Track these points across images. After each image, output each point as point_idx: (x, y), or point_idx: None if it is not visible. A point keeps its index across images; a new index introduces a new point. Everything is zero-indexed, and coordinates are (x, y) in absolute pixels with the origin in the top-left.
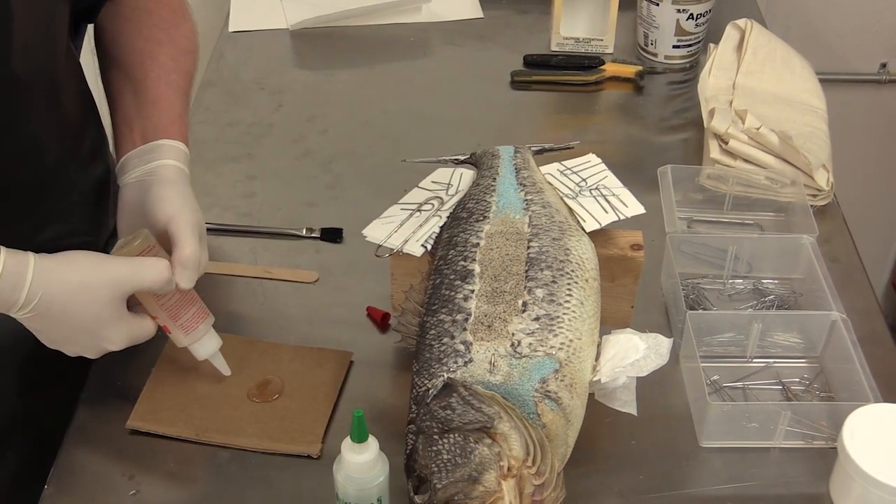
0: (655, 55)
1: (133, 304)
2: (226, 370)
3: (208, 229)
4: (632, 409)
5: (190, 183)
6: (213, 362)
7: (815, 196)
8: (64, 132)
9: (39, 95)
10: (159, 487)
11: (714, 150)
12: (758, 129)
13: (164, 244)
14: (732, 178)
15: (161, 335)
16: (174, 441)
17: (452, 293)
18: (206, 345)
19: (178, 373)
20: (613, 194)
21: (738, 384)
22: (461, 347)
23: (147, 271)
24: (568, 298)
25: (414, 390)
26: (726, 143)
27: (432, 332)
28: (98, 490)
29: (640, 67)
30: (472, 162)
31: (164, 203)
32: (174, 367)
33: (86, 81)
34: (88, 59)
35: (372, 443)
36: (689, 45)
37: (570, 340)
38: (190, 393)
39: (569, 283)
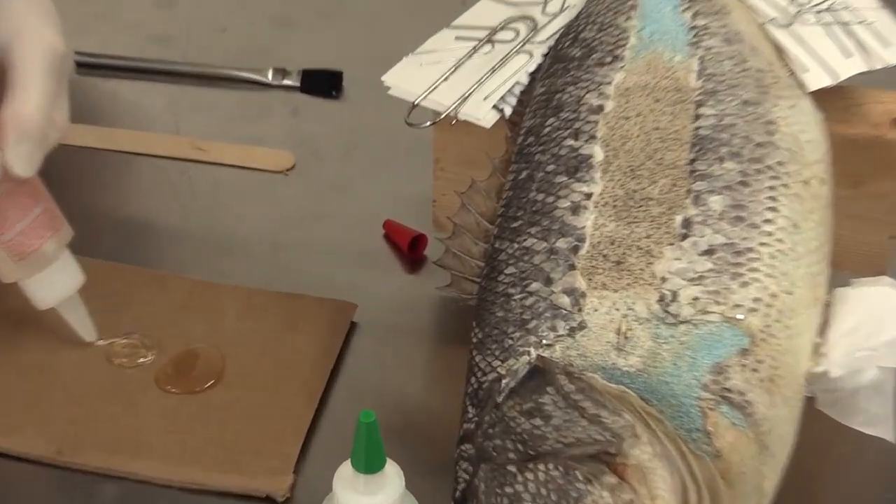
0: None
1: None
2: (88, 333)
3: (90, 65)
4: (886, 431)
5: None
6: (65, 316)
7: None
8: None
9: None
10: None
11: None
12: None
13: None
14: None
15: None
16: (22, 464)
17: (551, 199)
18: (52, 282)
19: (27, 339)
20: (862, 22)
21: None
22: (565, 300)
23: None
24: (769, 216)
25: (472, 379)
26: None
27: (511, 270)
28: None
29: None
30: None
31: None
32: (20, 328)
33: None
34: None
35: (390, 473)
36: None
37: (773, 295)
38: (49, 377)
39: (771, 188)
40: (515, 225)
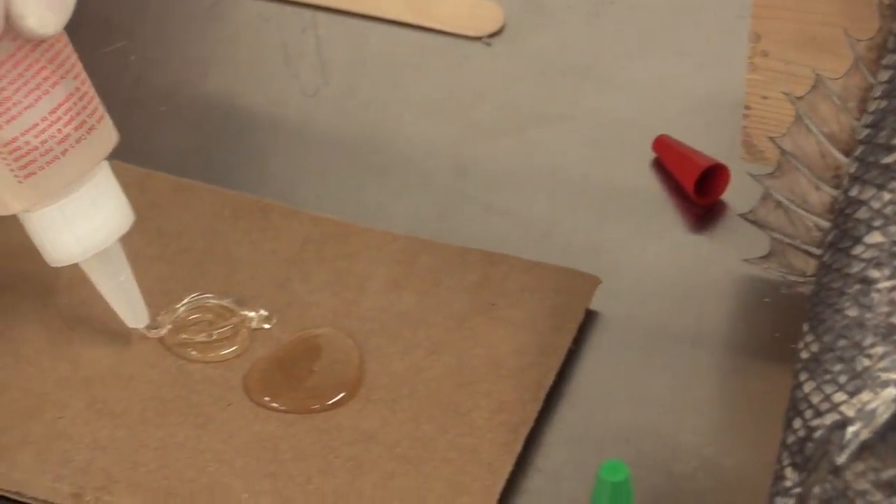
0: None
1: None
2: (134, 314)
3: None
4: None
5: None
6: (97, 282)
7: None
8: None
9: None
10: None
11: None
12: None
13: None
14: None
15: None
16: None
17: None
18: (79, 219)
19: (26, 322)
20: None
21: None
22: None
23: None
24: None
25: (796, 420)
26: None
27: (875, 238)
28: None
29: None
30: None
31: None
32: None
33: None
34: None
35: None
36: None
37: None
38: (65, 379)
39: None
40: (890, 160)
